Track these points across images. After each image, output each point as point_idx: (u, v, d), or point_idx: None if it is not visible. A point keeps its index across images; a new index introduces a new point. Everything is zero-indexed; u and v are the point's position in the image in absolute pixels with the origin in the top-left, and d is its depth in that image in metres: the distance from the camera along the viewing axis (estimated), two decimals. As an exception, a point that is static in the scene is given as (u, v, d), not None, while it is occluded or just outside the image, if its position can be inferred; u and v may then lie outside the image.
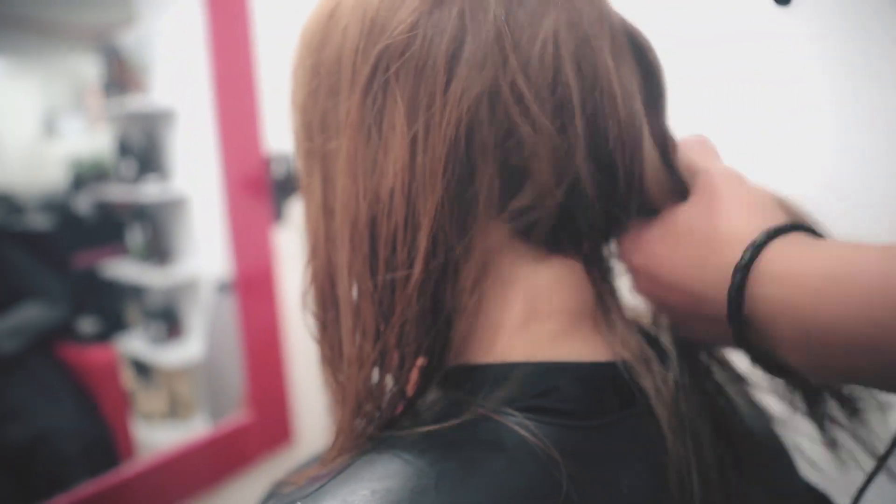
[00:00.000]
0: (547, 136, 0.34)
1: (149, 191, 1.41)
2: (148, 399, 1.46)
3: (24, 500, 1.00)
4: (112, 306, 1.47)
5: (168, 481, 1.15)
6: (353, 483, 0.31)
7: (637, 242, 0.41)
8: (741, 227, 0.33)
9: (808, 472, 0.48)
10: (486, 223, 0.36)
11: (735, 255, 0.32)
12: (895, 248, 0.26)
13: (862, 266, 0.27)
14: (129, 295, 1.48)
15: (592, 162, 0.36)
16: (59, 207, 1.33)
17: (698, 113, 0.72)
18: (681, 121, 0.45)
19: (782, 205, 0.37)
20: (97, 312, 1.39)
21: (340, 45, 0.37)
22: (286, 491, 0.34)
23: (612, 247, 0.43)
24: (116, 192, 1.41)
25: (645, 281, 0.41)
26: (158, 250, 1.45)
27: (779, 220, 0.34)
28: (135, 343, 1.47)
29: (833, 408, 0.41)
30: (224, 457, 1.26)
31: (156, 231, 1.45)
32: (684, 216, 0.38)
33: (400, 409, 0.38)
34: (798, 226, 0.33)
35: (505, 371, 0.36)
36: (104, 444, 1.23)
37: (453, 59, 0.33)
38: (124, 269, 1.44)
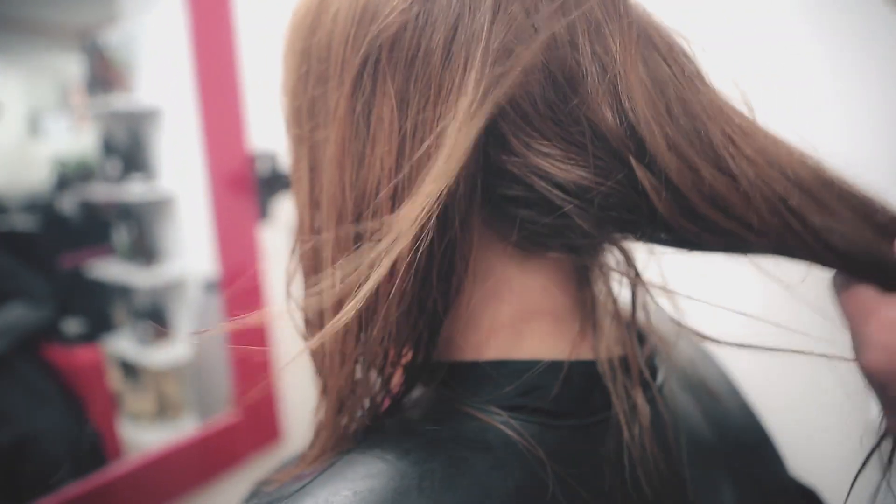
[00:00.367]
0: None
1: (134, 190, 1.40)
2: (135, 399, 1.45)
3: (11, 501, 0.99)
4: (98, 307, 1.46)
5: (156, 481, 1.15)
6: (336, 483, 0.31)
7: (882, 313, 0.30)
8: None
9: (799, 469, 0.48)
10: (475, 221, 0.36)
11: None
12: None
13: None
14: (115, 295, 1.47)
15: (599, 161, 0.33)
16: (43, 208, 1.32)
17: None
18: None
19: None
20: (83, 313, 1.38)
21: (331, 31, 0.36)
22: (268, 490, 0.34)
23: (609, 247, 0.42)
24: (101, 192, 1.40)
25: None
26: (144, 250, 1.44)
27: None
28: (121, 343, 1.46)
29: None
30: (212, 456, 1.26)
31: (141, 231, 1.44)
32: None
33: (385, 406, 0.38)
34: None
35: (491, 369, 0.36)
36: (91, 444, 1.22)
37: (447, 48, 0.32)
38: (110, 270, 1.43)
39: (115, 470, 1.09)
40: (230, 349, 1.29)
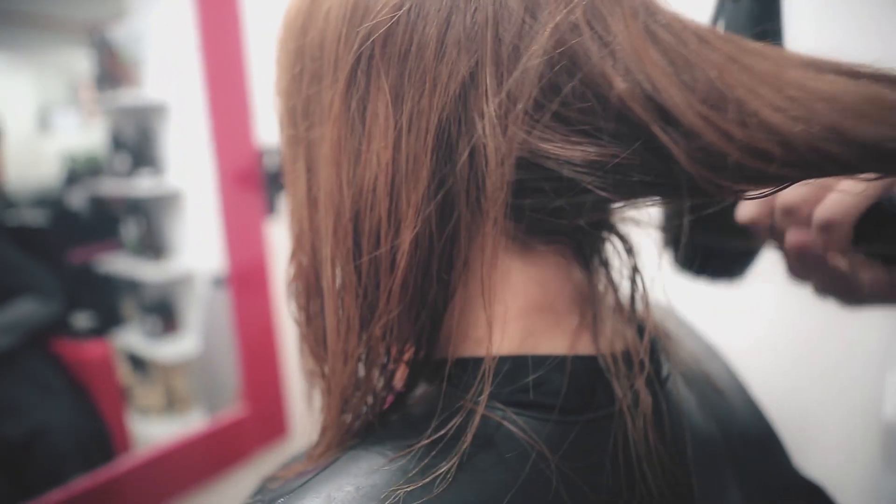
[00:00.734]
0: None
1: (142, 185, 1.40)
2: (144, 393, 1.46)
3: (20, 495, 1.00)
4: (107, 301, 1.47)
5: (164, 475, 1.16)
6: (339, 479, 0.31)
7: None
8: None
9: (806, 465, 0.48)
10: (473, 215, 0.36)
11: None
12: None
13: None
14: (124, 290, 1.48)
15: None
16: (53, 203, 1.33)
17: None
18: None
19: None
20: (92, 307, 1.39)
21: (323, 30, 0.36)
22: (274, 486, 0.34)
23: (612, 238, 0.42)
24: (110, 187, 1.41)
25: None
26: (153, 245, 1.45)
27: None
28: (130, 338, 1.47)
29: None
30: (220, 451, 1.26)
31: (150, 225, 1.45)
32: None
33: (388, 403, 0.38)
34: None
35: (493, 365, 0.36)
36: (100, 438, 1.23)
37: (441, 41, 0.32)
38: (119, 264, 1.44)
39: (123, 463, 1.10)
40: (238, 344, 1.30)
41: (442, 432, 0.33)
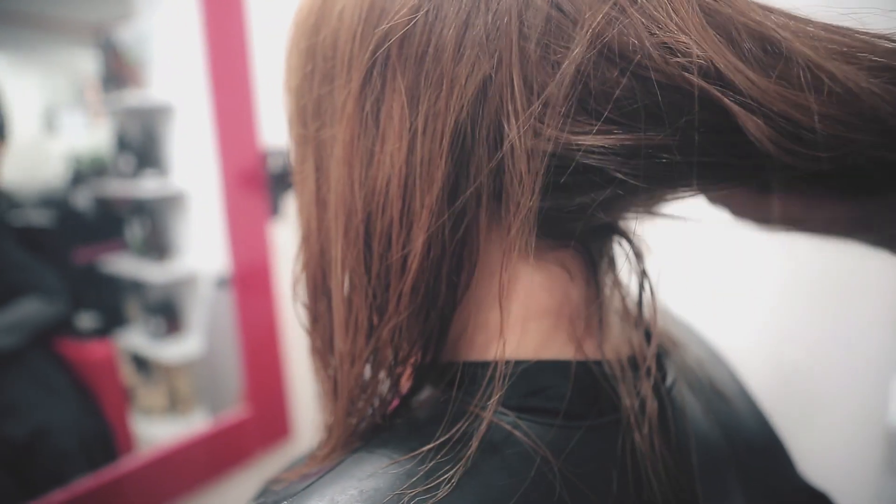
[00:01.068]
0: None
1: (147, 186, 1.41)
2: (148, 394, 1.46)
3: (23, 495, 1.00)
4: (111, 301, 1.47)
5: (167, 476, 1.16)
6: (342, 481, 0.31)
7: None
8: None
9: (811, 473, 0.48)
10: (485, 220, 0.35)
11: None
12: None
13: None
14: (128, 290, 1.48)
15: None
16: (58, 203, 1.33)
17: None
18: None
19: None
20: (96, 307, 1.40)
21: (336, 30, 0.36)
22: (277, 488, 0.34)
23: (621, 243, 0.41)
24: (115, 188, 1.41)
25: None
26: (157, 245, 1.45)
27: None
28: (134, 338, 1.47)
29: None
30: (223, 452, 1.26)
31: (154, 226, 1.45)
32: None
33: (393, 406, 0.38)
34: None
35: (503, 370, 0.36)
36: (103, 438, 1.23)
37: (459, 42, 0.31)
38: (123, 265, 1.44)
39: (126, 464, 1.10)
40: (241, 345, 1.30)
41: (447, 436, 0.33)
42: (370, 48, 0.33)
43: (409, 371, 0.37)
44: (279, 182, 1.31)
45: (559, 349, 0.37)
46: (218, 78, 1.19)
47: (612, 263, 0.40)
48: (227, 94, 1.21)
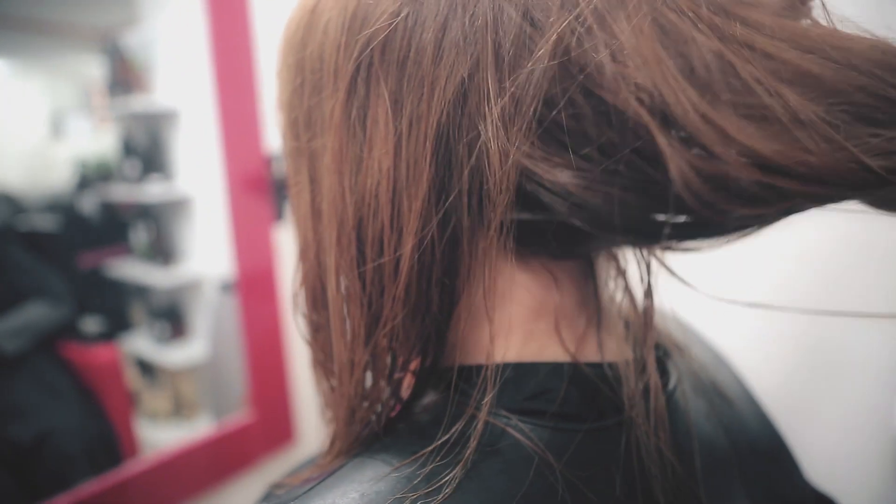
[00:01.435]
0: None
1: (152, 191, 1.41)
2: (152, 398, 1.46)
3: (28, 498, 1.00)
4: (116, 306, 1.47)
5: (171, 480, 1.16)
6: (343, 486, 0.31)
7: None
8: None
9: (817, 477, 0.48)
10: (468, 222, 0.34)
11: None
12: None
13: None
14: (133, 294, 1.48)
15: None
16: (64, 207, 1.33)
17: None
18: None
19: None
20: (101, 312, 1.40)
21: (322, 42, 0.36)
22: (280, 492, 0.34)
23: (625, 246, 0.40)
24: (121, 192, 1.42)
25: None
26: (162, 250, 1.46)
27: None
28: (139, 342, 1.47)
29: None
30: (227, 456, 1.26)
31: (159, 231, 1.45)
32: None
33: (395, 411, 0.38)
34: None
35: (499, 373, 0.36)
36: (107, 443, 1.23)
37: (438, 45, 0.31)
38: (128, 269, 1.45)
39: (130, 468, 1.10)
40: (245, 350, 1.30)
41: (445, 438, 0.33)
42: (353, 56, 0.34)
43: (409, 377, 0.37)
44: (284, 186, 1.32)
45: (559, 351, 0.37)
46: (223, 83, 1.19)
47: (613, 264, 0.40)
48: (232, 99, 1.21)
